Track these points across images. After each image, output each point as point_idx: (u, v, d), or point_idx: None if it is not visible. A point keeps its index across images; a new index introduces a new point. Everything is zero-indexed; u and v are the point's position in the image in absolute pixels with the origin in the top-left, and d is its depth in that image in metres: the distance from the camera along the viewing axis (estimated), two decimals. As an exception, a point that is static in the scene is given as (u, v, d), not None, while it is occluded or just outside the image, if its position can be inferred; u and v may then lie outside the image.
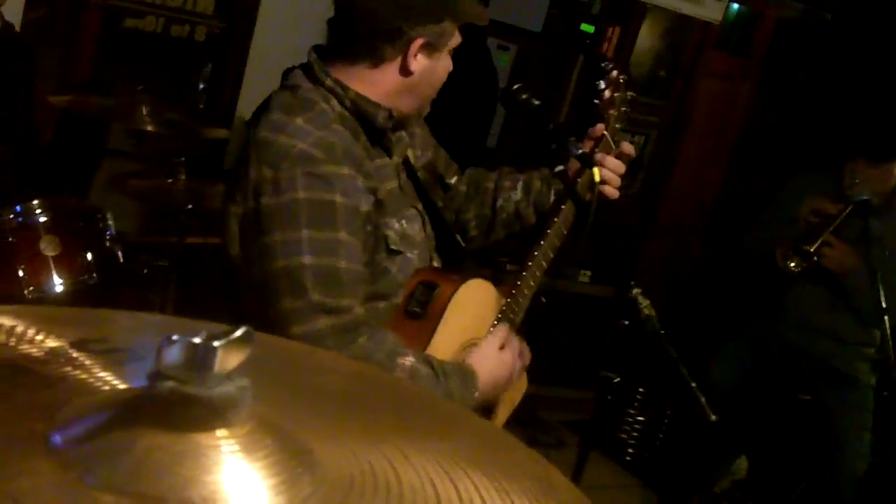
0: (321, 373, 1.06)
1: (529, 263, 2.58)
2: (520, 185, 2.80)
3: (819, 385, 4.41)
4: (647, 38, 6.07)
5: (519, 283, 2.56)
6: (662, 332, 2.53)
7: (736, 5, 6.29)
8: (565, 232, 2.64)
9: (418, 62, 2.27)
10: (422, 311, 2.29)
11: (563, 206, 2.65)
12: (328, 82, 2.24)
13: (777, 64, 6.47)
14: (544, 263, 2.60)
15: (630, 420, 5.02)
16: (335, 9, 2.28)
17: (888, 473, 4.43)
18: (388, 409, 1.01)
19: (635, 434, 5.00)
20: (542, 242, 2.60)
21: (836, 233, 4.20)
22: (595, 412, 2.67)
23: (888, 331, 3.86)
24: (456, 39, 2.35)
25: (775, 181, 4.96)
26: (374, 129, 2.30)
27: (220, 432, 0.77)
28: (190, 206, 4.07)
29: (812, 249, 4.13)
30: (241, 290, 2.22)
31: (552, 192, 2.76)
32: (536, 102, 2.79)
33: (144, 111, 4.01)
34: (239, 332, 0.77)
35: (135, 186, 4.37)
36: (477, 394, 2.30)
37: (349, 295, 2.09)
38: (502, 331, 2.45)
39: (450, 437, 0.99)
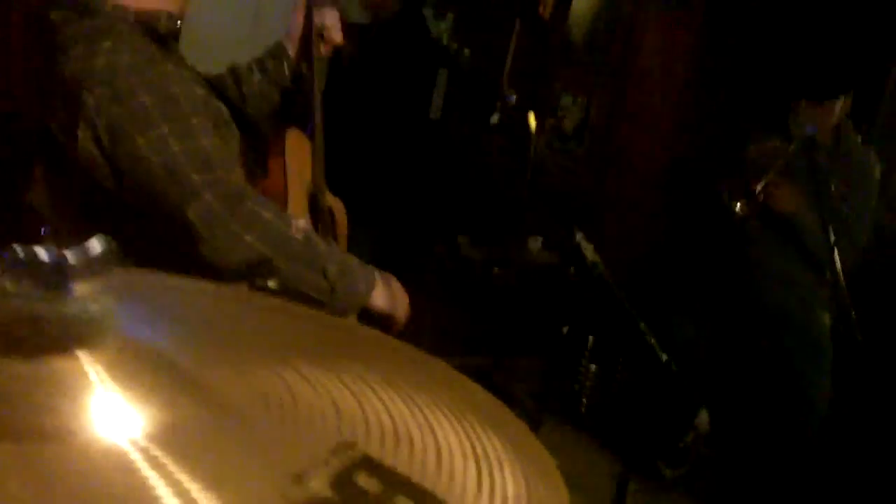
0: (221, 304, 0.99)
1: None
2: (255, 67, 2.82)
3: (776, 332, 4.38)
4: (583, -4, 6.02)
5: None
6: (608, 276, 2.47)
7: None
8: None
9: None
10: (263, 170, 2.44)
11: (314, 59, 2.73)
12: (108, 7, 2.25)
13: (718, 13, 6.42)
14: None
15: (582, 370, 4.98)
16: None
17: (848, 414, 4.42)
18: (292, 335, 0.95)
19: (588, 384, 4.96)
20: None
21: (783, 174, 4.17)
22: (546, 364, 2.61)
23: (838, 267, 3.83)
24: None
25: (726, 127, 4.93)
26: (161, 38, 2.32)
27: (82, 355, 0.70)
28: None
29: (758, 190, 4.09)
30: (118, 213, 2.23)
31: (284, 65, 2.79)
32: (467, 52, 2.73)
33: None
34: (96, 245, 0.70)
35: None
36: (372, 293, 2.39)
37: (220, 167, 2.20)
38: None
39: (359, 358, 0.92)
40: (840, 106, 4.28)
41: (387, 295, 2.45)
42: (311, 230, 2.41)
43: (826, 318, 4.33)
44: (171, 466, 0.66)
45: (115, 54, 2.16)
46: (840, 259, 3.90)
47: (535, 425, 2.60)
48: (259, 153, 2.58)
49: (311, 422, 0.77)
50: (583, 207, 5.84)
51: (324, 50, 2.78)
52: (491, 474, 0.79)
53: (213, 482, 0.65)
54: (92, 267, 0.69)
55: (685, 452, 4.59)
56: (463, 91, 5.30)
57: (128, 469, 0.66)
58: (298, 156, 2.79)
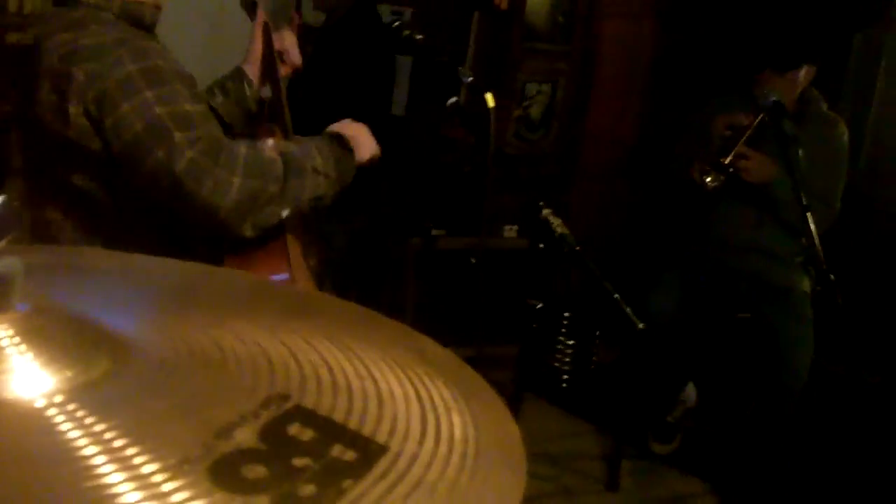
0: (157, 274, 0.95)
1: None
2: (216, 90, 2.84)
3: (756, 302, 4.36)
4: (541, -15, 5.99)
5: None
6: (578, 248, 2.43)
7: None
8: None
9: None
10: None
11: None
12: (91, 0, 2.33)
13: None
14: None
15: (560, 347, 4.94)
16: None
17: (830, 379, 4.41)
18: (230, 299, 0.91)
19: (567, 360, 4.92)
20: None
21: (750, 143, 4.14)
22: (522, 342, 2.57)
23: (813, 231, 3.80)
24: None
25: (692, 109, 4.90)
26: (146, 27, 2.40)
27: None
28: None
29: (727, 162, 4.07)
30: (102, 187, 2.30)
31: (245, 85, 2.83)
32: (419, 37, 2.70)
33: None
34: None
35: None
36: (356, 154, 2.53)
37: (205, 126, 2.26)
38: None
39: (300, 316, 0.89)
40: (804, 74, 4.26)
41: (362, 143, 2.58)
42: (282, 143, 2.49)
43: (806, 284, 4.31)
44: (91, 420, 0.62)
45: (100, 35, 2.24)
46: (815, 224, 3.87)
47: (515, 405, 2.56)
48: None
49: (241, 377, 0.74)
50: (552, 191, 5.82)
51: (284, 71, 2.86)
52: (437, 419, 0.75)
53: (134, 435, 0.62)
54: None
55: (674, 427, 4.57)
56: (426, 84, 5.26)
57: (47, 427, 0.63)
58: None
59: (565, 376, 4.89)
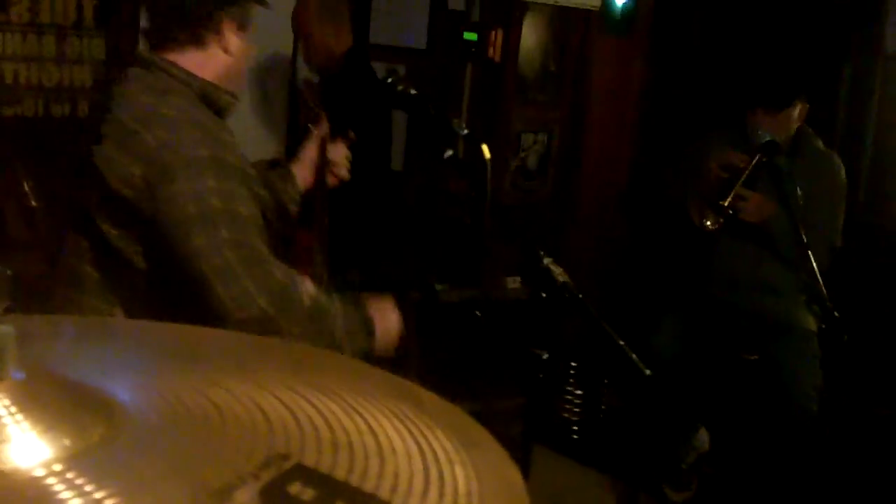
0: (149, 338, 0.95)
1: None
2: (258, 179, 2.82)
3: (761, 341, 4.34)
4: (531, 35, 6.02)
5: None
6: (581, 296, 2.42)
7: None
8: None
9: (234, 42, 2.46)
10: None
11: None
12: (174, 71, 2.38)
13: (664, 37, 6.45)
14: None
15: (569, 398, 4.91)
16: (149, 6, 2.51)
17: (840, 414, 4.38)
18: (224, 358, 0.91)
19: (576, 410, 4.89)
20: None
21: (746, 182, 4.15)
22: (529, 394, 2.55)
23: (814, 266, 3.79)
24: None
25: (683, 148, 4.91)
26: (218, 111, 2.44)
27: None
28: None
29: (726, 204, 4.07)
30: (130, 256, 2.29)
31: (290, 186, 2.92)
32: (413, 91, 2.71)
33: (26, 187, 3.87)
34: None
35: (37, 273, 4.24)
36: (374, 339, 2.49)
37: (252, 235, 2.29)
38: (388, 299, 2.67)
39: (296, 373, 0.88)
40: (797, 112, 4.26)
41: (385, 331, 2.55)
42: (315, 292, 2.45)
43: (810, 321, 4.28)
44: (89, 487, 0.62)
45: (183, 110, 2.29)
46: (816, 260, 3.87)
47: (524, 458, 2.54)
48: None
49: (239, 437, 0.73)
50: (550, 237, 5.82)
51: (330, 182, 2.99)
52: (440, 472, 0.74)
53: (134, 500, 0.61)
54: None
55: (689, 474, 4.52)
56: (421, 137, 5.27)
57: (44, 494, 0.62)
58: None
59: (575, 427, 4.85)
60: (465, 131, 2.68)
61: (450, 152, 2.69)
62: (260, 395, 0.80)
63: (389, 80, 2.75)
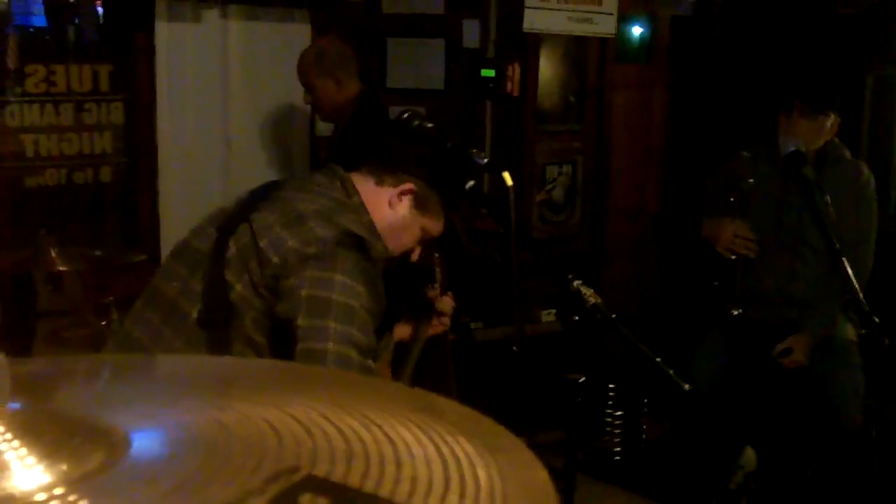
0: (153, 368, 0.91)
1: None
2: None
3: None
4: (548, 67, 6.01)
5: None
6: (613, 316, 2.37)
7: (628, 15, 6.25)
8: None
9: (401, 208, 2.60)
10: None
11: None
12: (354, 198, 2.55)
13: (682, 60, 6.43)
14: None
15: (609, 420, 4.85)
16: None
17: (886, 422, 4.28)
18: (232, 382, 0.87)
19: (617, 433, 4.82)
20: None
21: (773, 192, 4.13)
22: (569, 421, 2.50)
23: (850, 275, 3.72)
24: (434, 227, 2.71)
25: (710, 170, 4.87)
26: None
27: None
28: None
29: (775, 354, 4.13)
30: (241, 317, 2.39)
31: (384, 343, 3.05)
32: (429, 125, 2.69)
33: (53, 253, 3.87)
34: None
35: (71, 338, 4.25)
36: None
37: (371, 352, 2.38)
38: None
39: (308, 391, 0.84)
40: (830, 123, 4.19)
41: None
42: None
43: (849, 330, 4.22)
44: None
45: (353, 224, 2.44)
46: (852, 268, 3.80)
47: (569, 490, 2.49)
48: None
49: (245, 455, 0.70)
50: (583, 270, 5.77)
51: (433, 330, 3.18)
52: (461, 475, 0.70)
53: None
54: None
55: (737, 494, 4.44)
56: (442, 174, 5.24)
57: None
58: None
59: (617, 449, 4.78)
60: (486, 160, 2.65)
61: (471, 183, 2.66)
62: (269, 412, 0.76)
63: (405, 115, 2.72)
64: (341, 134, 4.77)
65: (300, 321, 2.29)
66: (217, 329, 2.41)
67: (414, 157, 2.68)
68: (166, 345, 2.40)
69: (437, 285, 3.18)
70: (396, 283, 3.10)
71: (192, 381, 0.89)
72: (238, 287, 2.38)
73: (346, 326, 2.28)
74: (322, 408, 0.79)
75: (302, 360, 2.24)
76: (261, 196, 2.56)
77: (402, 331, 3.15)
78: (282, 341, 2.33)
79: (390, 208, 2.60)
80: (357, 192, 2.56)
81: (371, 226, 2.53)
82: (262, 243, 2.36)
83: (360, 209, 2.53)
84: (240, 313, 2.38)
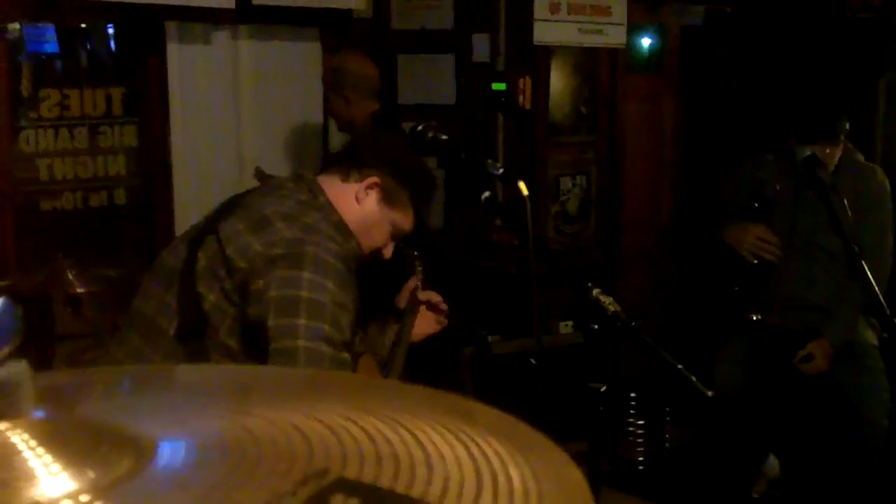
0: (177, 377, 0.91)
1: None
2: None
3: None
4: (559, 79, 6.01)
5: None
6: (633, 323, 2.36)
7: (638, 26, 6.26)
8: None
9: (369, 203, 2.58)
10: None
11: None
12: (320, 198, 2.54)
13: (693, 69, 6.43)
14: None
15: (631, 429, 4.83)
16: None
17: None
18: (257, 388, 0.87)
19: (640, 441, 4.80)
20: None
21: (788, 197, 4.12)
22: (591, 432, 2.48)
23: (870, 278, 3.69)
24: (404, 222, 2.67)
25: (724, 177, 4.86)
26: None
27: (3, 426, 0.62)
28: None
29: (796, 361, 4.12)
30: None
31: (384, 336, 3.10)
32: (444, 137, 2.68)
33: (71, 275, 3.89)
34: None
35: (90, 360, 4.25)
36: None
37: (345, 346, 2.37)
38: None
39: (334, 395, 0.83)
40: (839, 147, 4.16)
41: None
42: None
43: (870, 335, 4.20)
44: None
45: (320, 221, 2.47)
46: (871, 272, 3.77)
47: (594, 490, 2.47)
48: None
49: (275, 460, 0.69)
50: (599, 280, 5.75)
51: (437, 327, 3.18)
52: (494, 475, 0.69)
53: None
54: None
55: (761, 502, 4.41)
56: (457, 183, 5.26)
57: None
58: (364, 372, 3.02)
59: (640, 458, 4.75)
60: (500, 170, 2.64)
61: (487, 193, 2.66)
62: (297, 417, 0.76)
63: (419, 128, 2.72)
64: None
65: (270, 321, 2.30)
66: (194, 342, 2.43)
67: (379, 150, 2.67)
68: (147, 363, 2.42)
69: (418, 278, 3.18)
70: (377, 280, 3.12)
71: (214, 389, 0.88)
72: (210, 297, 2.39)
73: (315, 322, 2.29)
74: (348, 412, 0.78)
75: (274, 359, 2.26)
76: (227, 206, 2.57)
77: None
78: (256, 345, 2.34)
79: (358, 204, 2.59)
80: (323, 192, 2.55)
81: (340, 223, 2.54)
82: (229, 251, 2.37)
83: (327, 208, 2.53)
84: (214, 323, 2.39)
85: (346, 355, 2.36)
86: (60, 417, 0.66)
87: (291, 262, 2.34)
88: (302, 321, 2.29)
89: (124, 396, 0.84)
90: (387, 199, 2.62)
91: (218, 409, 0.80)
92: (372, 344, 3.05)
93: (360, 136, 2.78)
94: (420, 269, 3.21)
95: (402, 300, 3.10)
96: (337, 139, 5.14)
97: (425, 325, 3.16)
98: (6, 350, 0.62)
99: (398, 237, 2.73)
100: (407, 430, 0.75)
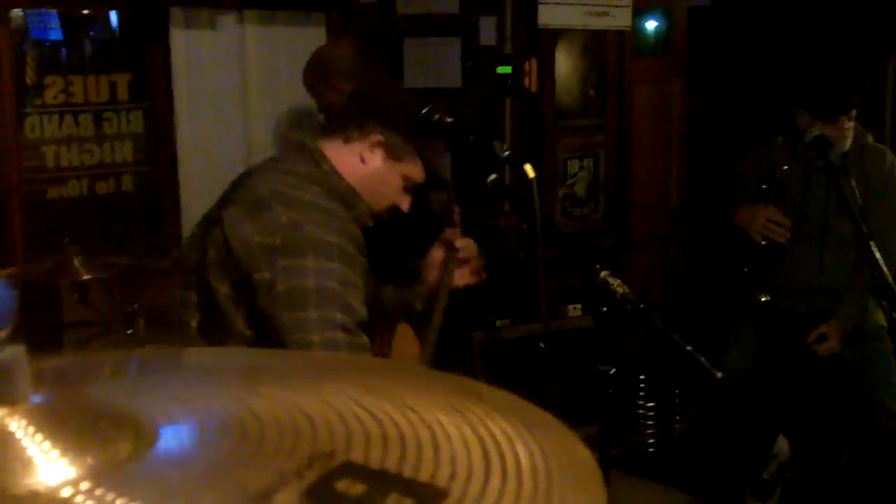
0: (183, 359, 0.90)
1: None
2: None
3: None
4: (565, 62, 5.99)
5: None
6: (642, 305, 2.34)
7: (644, 8, 6.23)
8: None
9: (374, 160, 2.52)
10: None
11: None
12: (324, 165, 2.48)
13: (701, 51, 6.40)
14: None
15: (641, 412, 4.82)
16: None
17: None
18: (263, 370, 0.86)
19: (650, 424, 4.79)
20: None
21: (798, 178, 4.09)
22: (601, 414, 2.47)
23: (879, 261, 3.67)
24: (415, 173, 2.60)
25: (733, 160, 4.84)
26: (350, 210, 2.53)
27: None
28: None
29: (810, 341, 4.10)
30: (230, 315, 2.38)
31: (417, 290, 2.96)
32: (450, 119, 2.66)
33: (77, 262, 3.87)
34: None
35: (98, 348, 4.25)
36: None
37: (357, 324, 2.33)
38: None
39: (341, 376, 0.82)
40: (851, 122, 4.13)
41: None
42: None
43: (879, 316, 4.20)
44: (121, 501, 0.57)
45: (318, 196, 2.42)
46: (881, 252, 3.75)
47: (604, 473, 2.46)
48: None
49: (279, 440, 0.68)
50: (607, 264, 5.74)
51: (468, 281, 2.99)
52: (501, 455, 0.68)
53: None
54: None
55: (771, 483, 4.40)
56: (464, 166, 5.23)
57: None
58: (402, 349, 3.05)
59: (651, 441, 4.74)
60: (507, 153, 2.62)
61: (493, 176, 2.63)
62: (302, 399, 0.74)
63: (424, 111, 2.69)
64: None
65: (281, 316, 2.28)
66: (215, 335, 2.42)
67: (377, 106, 2.61)
68: None
69: (456, 226, 3.07)
70: (412, 232, 3.08)
71: (222, 372, 0.87)
72: (223, 289, 2.38)
73: (326, 311, 2.27)
74: (354, 393, 0.77)
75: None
76: (232, 188, 2.54)
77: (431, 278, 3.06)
78: (269, 334, 2.32)
79: (364, 164, 2.54)
80: (326, 159, 2.51)
81: (348, 189, 2.50)
82: (233, 242, 2.35)
83: (331, 175, 2.49)
84: (230, 316, 2.38)
85: (363, 339, 2.34)
86: (59, 402, 0.65)
87: (293, 251, 2.31)
88: (313, 313, 2.26)
89: (130, 380, 0.83)
90: (392, 154, 2.58)
91: (224, 391, 0.79)
92: (407, 294, 2.96)
93: (356, 93, 2.68)
94: (457, 217, 3.14)
95: (438, 249, 3.01)
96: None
97: (462, 276, 3.06)
98: (3, 333, 0.61)
99: (412, 189, 2.67)
100: (412, 411, 0.74)
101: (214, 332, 2.42)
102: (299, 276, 2.29)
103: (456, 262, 2.93)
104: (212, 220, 2.48)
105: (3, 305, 0.57)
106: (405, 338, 3.03)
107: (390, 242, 2.80)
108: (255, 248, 2.32)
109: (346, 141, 2.54)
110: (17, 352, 0.62)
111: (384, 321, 2.95)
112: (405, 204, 2.65)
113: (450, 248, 2.95)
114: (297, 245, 2.31)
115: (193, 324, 2.44)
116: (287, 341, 2.25)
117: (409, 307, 2.92)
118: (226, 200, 2.49)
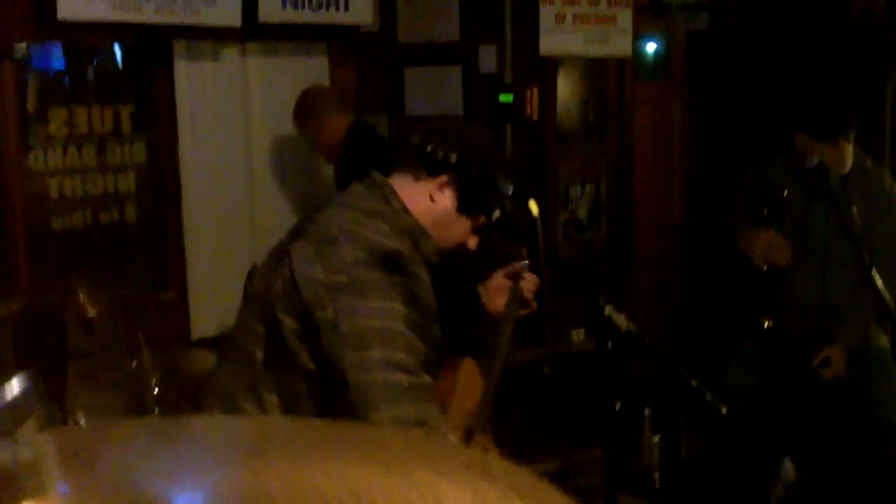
0: (202, 435, 0.91)
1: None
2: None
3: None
4: (566, 89, 6.01)
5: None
6: (647, 340, 2.36)
7: (643, 33, 6.25)
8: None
9: (443, 201, 2.51)
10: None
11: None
12: (393, 202, 2.47)
13: (700, 75, 6.42)
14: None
15: (646, 443, 4.81)
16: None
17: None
18: (280, 446, 0.87)
19: (656, 454, 4.78)
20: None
21: (799, 202, 4.11)
22: (606, 444, 2.48)
23: (879, 284, 3.68)
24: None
25: (733, 181, 4.85)
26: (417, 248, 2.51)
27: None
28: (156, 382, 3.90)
29: (815, 364, 4.13)
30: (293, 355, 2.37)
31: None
32: (453, 156, 2.66)
33: (83, 297, 3.87)
34: (16, 385, 0.62)
35: (103, 379, 4.25)
36: None
37: (418, 364, 2.33)
38: None
39: (364, 454, 0.83)
40: (849, 145, 4.15)
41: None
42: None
43: (883, 339, 4.22)
44: None
45: (385, 234, 2.39)
46: (882, 276, 3.76)
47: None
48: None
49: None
50: (611, 287, 5.76)
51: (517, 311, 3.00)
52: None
53: None
54: (13, 407, 0.61)
55: (779, 507, 4.40)
56: (468, 202, 5.24)
57: None
58: (467, 384, 2.99)
59: (657, 473, 4.74)
60: (512, 190, 2.63)
61: (497, 213, 2.64)
62: (319, 480, 0.75)
63: (428, 148, 2.70)
64: (339, 172, 4.82)
65: (344, 355, 2.28)
66: (281, 368, 2.42)
67: (448, 147, 2.57)
68: (234, 402, 2.44)
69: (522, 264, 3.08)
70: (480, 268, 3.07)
71: (231, 443, 0.88)
72: (289, 323, 2.37)
73: (388, 351, 2.26)
74: (370, 470, 0.78)
75: (352, 394, 2.24)
76: (302, 222, 2.55)
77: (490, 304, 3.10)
78: (332, 371, 2.31)
79: (433, 202, 2.52)
80: (396, 196, 2.49)
81: (415, 227, 2.48)
82: (297, 278, 2.34)
83: (400, 213, 2.47)
84: (295, 350, 2.37)
85: (425, 379, 2.33)
86: (82, 493, 0.66)
87: (357, 291, 2.30)
88: (375, 353, 2.26)
89: (140, 453, 0.84)
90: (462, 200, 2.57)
91: (234, 465, 0.80)
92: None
93: (429, 132, 2.64)
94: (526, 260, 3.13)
95: (500, 278, 3.05)
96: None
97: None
98: (31, 425, 0.62)
99: (480, 228, 2.66)
100: (431, 493, 0.75)
101: (280, 365, 2.42)
102: (363, 315, 2.29)
103: (520, 293, 2.96)
104: (281, 252, 2.47)
105: (25, 398, 0.57)
106: (470, 374, 3.01)
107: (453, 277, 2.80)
108: (319, 285, 2.32)
109: (417, 178, 2.53)
110: (42, 445, 0.63)
111: (448, 357, 2.92)
112: (473, 242, 2.65)
113: (517, 279, 2.98)
114: (361, 286, 2.30)
115: (259, 355, 2.44)
116: (350, 381, 2.25)
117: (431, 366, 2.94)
118: (295, 234, 2.49)
